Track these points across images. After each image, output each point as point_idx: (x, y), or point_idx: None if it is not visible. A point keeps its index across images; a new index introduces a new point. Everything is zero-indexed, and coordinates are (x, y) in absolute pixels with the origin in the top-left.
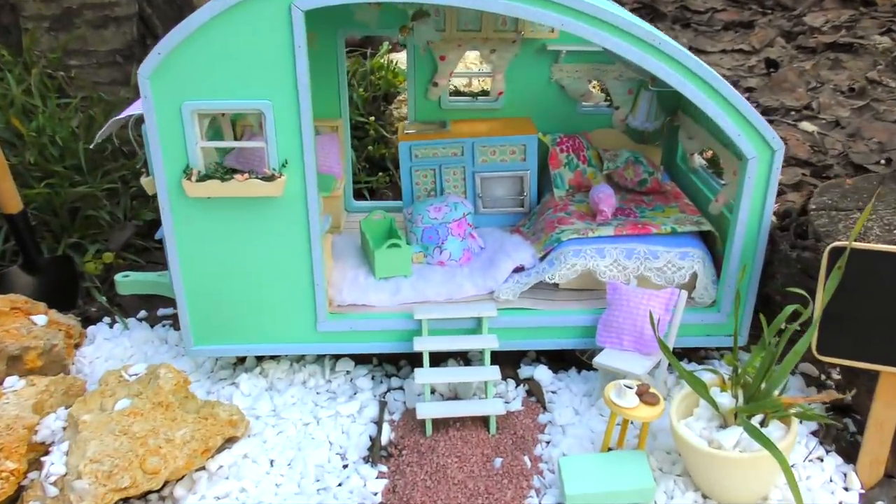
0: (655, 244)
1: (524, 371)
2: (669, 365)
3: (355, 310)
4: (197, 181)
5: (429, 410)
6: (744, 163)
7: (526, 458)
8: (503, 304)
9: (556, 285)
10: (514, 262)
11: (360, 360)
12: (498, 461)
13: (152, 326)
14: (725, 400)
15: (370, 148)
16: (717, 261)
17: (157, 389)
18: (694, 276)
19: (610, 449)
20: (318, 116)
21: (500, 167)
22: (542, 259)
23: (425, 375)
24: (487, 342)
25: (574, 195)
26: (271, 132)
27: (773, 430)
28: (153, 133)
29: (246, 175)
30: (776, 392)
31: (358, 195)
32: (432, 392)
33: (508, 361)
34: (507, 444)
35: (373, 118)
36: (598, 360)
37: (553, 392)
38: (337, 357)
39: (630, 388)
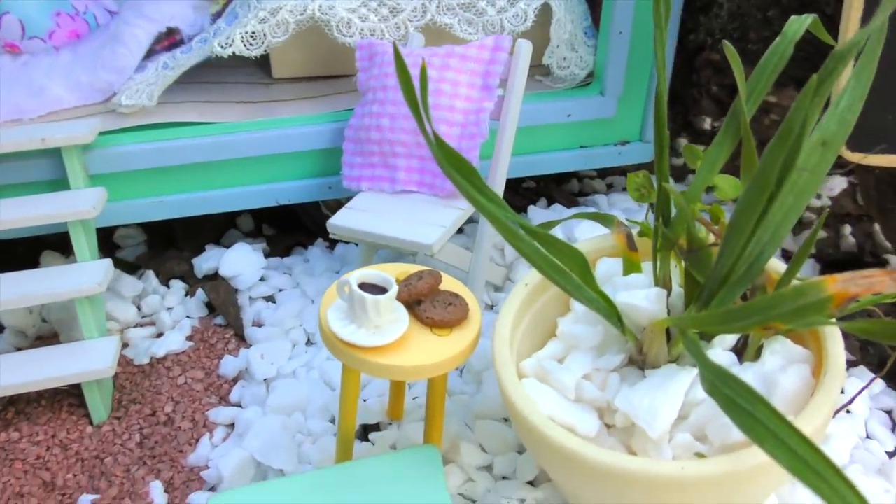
0: None
1: (209, 259)
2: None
3: None
4: None
5: None
6: None
7: (154, 488)
8: (135, 116)
9: (268, 73)
10: (156, 24)
11: None
12: None
13: None
14: (641, 300)
15: None
16: None
17: None
18: (544, 15)
19: (367, 437)
20: None
21: None
22: (216, 16)
23: None
24: (75, 206)
25: None
26: None
27: (780, 368)
28: None
29: None
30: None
31: None
32: None
33: (194, 240)
34: (129, 448)
35: None
36: (336, 221)
37: (268, 300)
38: None
39: (381, 289)
